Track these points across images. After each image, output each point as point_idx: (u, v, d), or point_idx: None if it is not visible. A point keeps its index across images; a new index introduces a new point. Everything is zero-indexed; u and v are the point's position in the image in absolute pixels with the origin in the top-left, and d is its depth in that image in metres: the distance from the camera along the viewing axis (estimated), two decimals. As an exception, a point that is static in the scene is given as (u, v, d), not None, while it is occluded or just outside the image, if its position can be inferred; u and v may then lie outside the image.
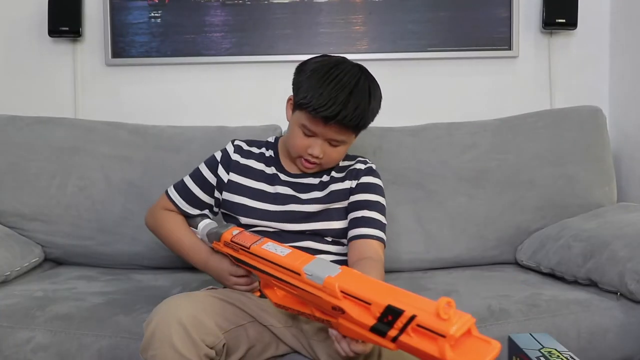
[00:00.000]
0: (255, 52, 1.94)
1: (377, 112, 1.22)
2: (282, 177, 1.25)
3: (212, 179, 1.27)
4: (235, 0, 1.93)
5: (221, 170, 1.27)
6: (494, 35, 1.93)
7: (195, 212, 1.28)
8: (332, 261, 1.06)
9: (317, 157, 1.19)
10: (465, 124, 1.77)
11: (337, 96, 1.12)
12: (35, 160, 1.68)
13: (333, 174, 1.26)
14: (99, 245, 1.65)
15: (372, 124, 1.77)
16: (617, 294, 1.27)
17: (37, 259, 1.61)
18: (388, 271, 1.63)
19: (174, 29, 1.93)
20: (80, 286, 1.44)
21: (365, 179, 1.26)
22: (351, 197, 1.24)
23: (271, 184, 1.24)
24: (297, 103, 1.17)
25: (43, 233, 1.65)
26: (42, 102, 1.95)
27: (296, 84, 1.19)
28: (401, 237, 1.64)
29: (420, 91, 1.97)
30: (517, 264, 1.66)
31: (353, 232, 1.19)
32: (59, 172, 1.68)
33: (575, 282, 1.40)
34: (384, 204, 1.25)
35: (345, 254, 1.22)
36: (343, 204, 1.24)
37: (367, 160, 1.31)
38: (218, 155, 1.29)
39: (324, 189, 1.24)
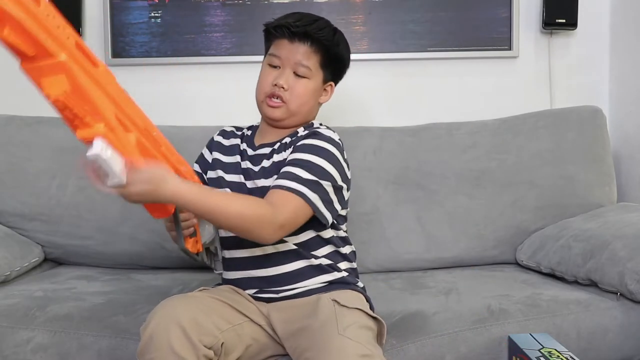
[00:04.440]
0: (255, 52, 1.93)
1: (345, 55, 1.24)
2: (249, 151, 1.23)
3: (199, 170, 1.29)
4: (235, 0, 1.93)
5: (206, 153, 1.29)
6: (494, 35, 1.93)
7: None
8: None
9: (282, 88, 1.16)
10: (465, 124, 1.77)
11: (302, 17, 1.20)
12: (35, 160, 1.68)
13: (286, 139, 1.19)
14: (99, 245, 1.65)
15: (372, 124, 1.79)
16: (617, 294, 1.27)
17: (37, 259, 1.61)
18: (388, 271, 1.64)
19: (174, 29, 1.93)
20: (80, 286, 1.44)
21: (301, 142, 1.14)
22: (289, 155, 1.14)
23: (242, 159, 1.22)
24: (270, 33, 1.22)
25: (43, 233, 1.65)
26: (42, 102, 1.93)
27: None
28: (401, 237, 1.64)
29: (420, 91, 1.97)
30: (517, 264, 1.66)
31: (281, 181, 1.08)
32: (59, 172, 1.68)
33: (575, 282, 1.40)
34: (319, 164, 1.10)
35: (311, 245, 1.15)
36: None
37: (321, 125, 1.22)
38: (205, 147, 1.32)
39: (270, 158, 1.18)
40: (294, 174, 1.07)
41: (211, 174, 1.24)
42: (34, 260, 1.59)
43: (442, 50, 1.93)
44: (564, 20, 1.90)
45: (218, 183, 1.21)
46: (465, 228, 1.66)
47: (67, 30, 0.76)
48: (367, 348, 0.97)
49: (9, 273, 1.45)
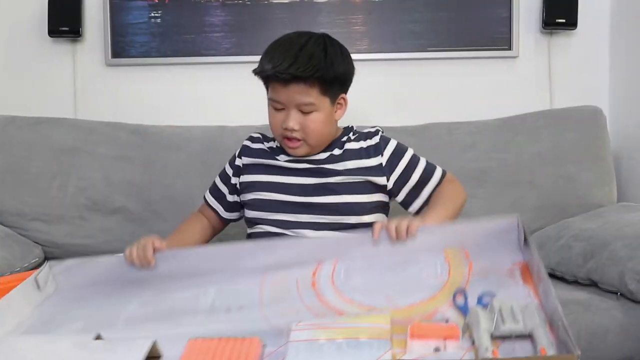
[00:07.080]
0: (255, 52, 1.91)
1: (344, 69, 1.20)
2: (285, 164, 1.24)
3: (224, 189, 1.31)
4: (235, 0, 1.93)
5: (234, 179, 1.30)
6: (494, 35, 1.93)
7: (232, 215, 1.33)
8: None
9: (293, 130, 1.16)
10: (465, 124, 1.77)
11: (286, 53, 1.13)
12: (35, 160, 1.68)
13: (335, 151, 1.24)
14: (99, 245, 1.65)
15: (372, 124, 1.78)
16: (617, 294, 1.26)
17: (37, 259, 1.61)
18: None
19: (174, 29, 1.93)
20: (80, 286, 1.44)
21: (388, 150, 1.28)
22: (392, 174, 1.26)
23: (282, 174, 1.23)
24: (261, 79, 1.18)
25: (43, 233, 1.65)
26: (42, 102, 1.95)
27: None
28: (401, 237, 1.64)
29: (420, 91, 1.97)
30: (517, 264, 1.65)
31: (428, 188, 1.29)
32: (59, 173, 1.68)
33: (575, 282, 1.39)
34: (413, 152, 1.30)
35: None
36: (365, 178, 1.23)
37: (371, 130, 1.33)
38: (227, 166, 1.32)
39: (320, 177, 1.21)
40: (425, 169, 1.29)
41: (244, 197, 1.25)
42: (34, 260, 1.59)
43: (441, 50, 1.93)
44: (564, 20, 1.89)
45: (255, 205, 1.23)
46: (465, 228, 1.65)
47: None
48: None
49: (8, 273, 1.45)
